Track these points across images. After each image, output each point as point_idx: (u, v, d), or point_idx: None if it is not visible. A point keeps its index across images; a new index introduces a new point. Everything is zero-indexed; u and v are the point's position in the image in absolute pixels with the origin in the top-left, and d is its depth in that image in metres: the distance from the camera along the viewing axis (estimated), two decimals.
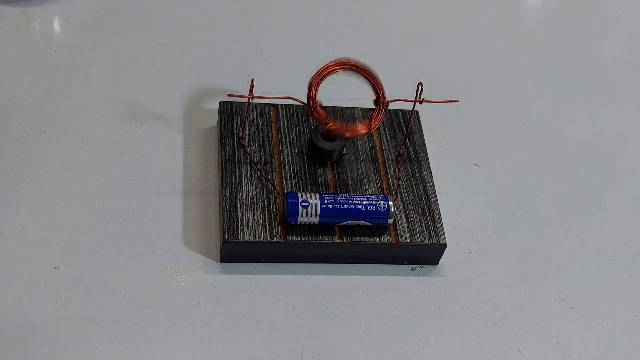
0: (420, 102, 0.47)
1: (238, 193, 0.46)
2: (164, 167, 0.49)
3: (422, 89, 0.47)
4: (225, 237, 0.44)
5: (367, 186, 0.48)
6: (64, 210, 0.46)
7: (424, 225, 0.47)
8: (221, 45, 0.57)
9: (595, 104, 0.59)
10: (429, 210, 0.47)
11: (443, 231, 0.47)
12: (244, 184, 0.46)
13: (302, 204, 0.44)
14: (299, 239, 0.45)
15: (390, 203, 0.45)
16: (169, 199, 0.47)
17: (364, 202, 0.45)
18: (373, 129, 0.46)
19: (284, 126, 0.50)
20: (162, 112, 0.52)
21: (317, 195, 0.45)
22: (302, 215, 0.44)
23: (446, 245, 0.46)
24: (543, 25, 0.65)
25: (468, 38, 0.62)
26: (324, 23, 0.61)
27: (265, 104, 0.50)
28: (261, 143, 0.49)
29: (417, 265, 0.47)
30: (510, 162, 0.54)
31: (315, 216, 0.44)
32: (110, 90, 0.53)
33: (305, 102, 0.46)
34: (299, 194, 0.45)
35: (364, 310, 0.45)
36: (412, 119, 0.50)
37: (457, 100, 0.48)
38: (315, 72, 0.45)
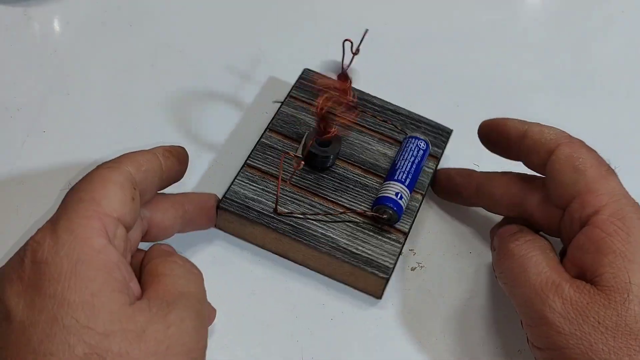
0: (356, 53, 0.45)
1: (341, 245, 0.44)
2: None
3: (352, 44, 0.45)
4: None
5: (379, 147, 0.49)
6: None
7: (428, 132, 0.50)
8: (221, 45, 0.57)
9: (595, 104, 0.59)
10: (416, 120, 0.51)
11: (439, 124, 0.51)
12: (335, 236, 0.45)
13: (399, 198, 0.45)
14: (408, 223, 0.46)
15: (422, 137, 0.48)
16: None
17: (414, 155, 0.47)
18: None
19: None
20: (162, 113, 0.52)
21: (394, 181, 0.46)
22: (404, 205, 0.46)
23: (452, 130, 0.51)
24: (543, 25, 0.65)
25: (468, 38, 0.62)
26: (324, 23, 0.61)
27: (240, 171, 0.47)
28: (287, 199, 0.46)
29: (416, 265, 0.47)
30: (510, 162, 0.54)
31: (409, 196, 0.46)
32: (110, 90, 0.53)
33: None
34: (386, 193, 0.45)
35: (364, 310, 0.45)
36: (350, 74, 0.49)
37: (367, 30, 0.46)
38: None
